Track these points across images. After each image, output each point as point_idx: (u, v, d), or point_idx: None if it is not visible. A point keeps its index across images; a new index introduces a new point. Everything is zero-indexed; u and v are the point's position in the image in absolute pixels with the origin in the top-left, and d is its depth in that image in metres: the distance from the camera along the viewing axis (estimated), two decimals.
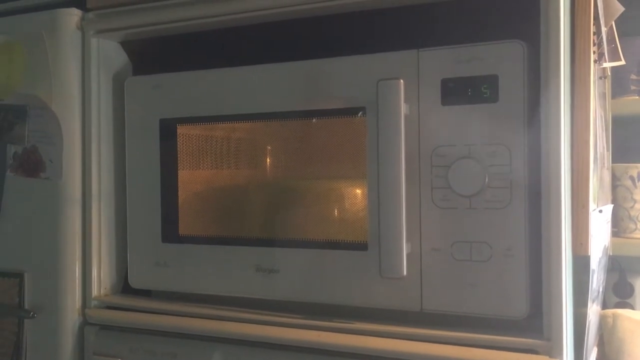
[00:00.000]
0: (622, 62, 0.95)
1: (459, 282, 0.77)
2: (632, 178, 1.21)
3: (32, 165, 0.99)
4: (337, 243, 0.85)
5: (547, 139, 0.73)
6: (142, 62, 1.05)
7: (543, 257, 0.74)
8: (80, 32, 0.99)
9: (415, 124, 0.79)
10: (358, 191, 0.86)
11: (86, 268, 0.99)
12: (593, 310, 0.90)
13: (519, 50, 0.75)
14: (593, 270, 0.83)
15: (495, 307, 0.76)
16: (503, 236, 0.75)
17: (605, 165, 1.07)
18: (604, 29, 0.86)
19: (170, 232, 0.95)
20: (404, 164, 0.76)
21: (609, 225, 1.08)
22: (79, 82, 0.99)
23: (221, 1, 0.90)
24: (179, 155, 0.95)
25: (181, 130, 0.95)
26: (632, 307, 1.23)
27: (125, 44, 1.03)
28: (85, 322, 0.98)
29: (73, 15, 0.99)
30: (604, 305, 1.15)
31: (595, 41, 0.81)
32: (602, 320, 1.06)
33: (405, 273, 0.76)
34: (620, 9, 0.89)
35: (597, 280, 0.91)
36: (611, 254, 1.14)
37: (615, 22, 0.91)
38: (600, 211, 0.90)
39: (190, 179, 0.96)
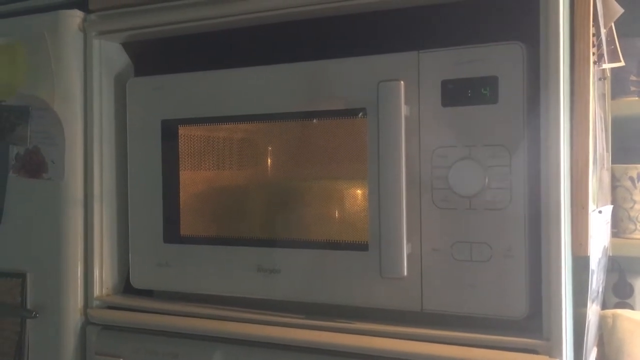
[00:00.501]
0: (622, 64, 0.95)
1: (459, 283, 0.78)
2: (631, 179, 1.21)
3: (35, 166, 1.00)
4: (338, 243, 0.85)
5: (547, 140, 0.74)
6: (144, 64, 1.06)
7: (543, 257, 0.74)
8: (83, 34, 0.99)
9: (416, 125, 0.80)
10: (359, 192, 0.86)
11: (88, 268, 0.99)
12: (593, 311, 0.91)
13: (518, 52, 0.75)
14: (592, 271, 0.83)
15: (495, 307, 0.76)
16: (503, 237, 0.76)
17: (605, 166, 1.07)
18: (603, 31, 0.86)
19: (171, 232, 0.96)
20: (404, 164, 0.76)
21: (609, 225, 1.08)
22: (81, 83, 0.99)
23: (222, 3, 0.90)
24: (180, 156, 0.95)
25: (182, 131, 0.95)
26: (631, 308, 1.23)
27: (127, 45, 1.04)
28: (87, 322, 0.99)
29: (75, 16, 0.99)
30: (604, 306, 1.15)
31: (595, 42, 0.81)
32: (602, 321, 1.06)
33: (405, 273, 0.77)
34: (620, 10, 0.89)
35: (596, 280, 0.91)
36: (611, 254, 1.14)
37: (615, 23, 0.92)
38: (600, 212, 0.90)
39: (192, 180, 0.96)
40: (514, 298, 0.75)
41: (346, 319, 0.83)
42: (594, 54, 0.79)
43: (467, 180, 0.77)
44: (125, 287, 1.03)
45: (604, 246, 0.99)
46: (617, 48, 0.94)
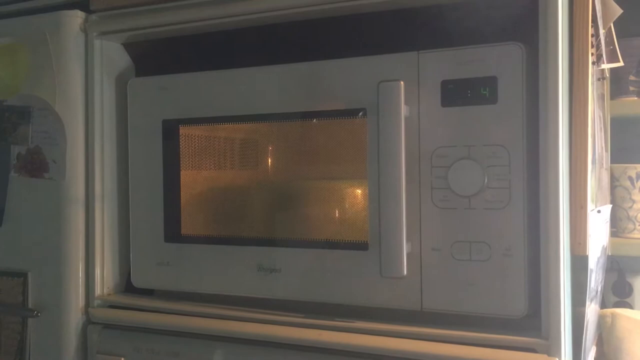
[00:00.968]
0: (621, 64, 0.95)
1: (459, 282, 0.78)
2: (630, 178, 1.21)
3: (36, 165, 1.00)
4: (338, 243, 0.85)
5: (546, 140, 0.74)
6: (145, 64, 1.06)
7: (542, 256, 0.75)
8: (84, 34, 1.00)
9: (416, 125, 0.80)
10: (359, 191, 0.86)
11: (89, 267, 1.00)
12: (591, 310, 0.91)
13: (517, 52, 0.75)
14: (591, 270, 0.84)
15: (494, 306, 0.76)
16: (502, 236, 0.76)
17: (604, 165, 1.08)
18: (602, 31, 0.86)
19: (172, 231, 0.96)
20: (404, 164, 0.77)
21: (608, 225, 1.08)
22: (82, 83, 1.00)
23: (224, 3, 0.90)
24: (181, 156, 0.95)
25: (183, 131, 0.95)
26: (630, 307, 1.23)
27: (128, 46, 1.04)
28: (88, 321, 0.99)
29: (76, 17, 0.99)
30: (603, 305, 1.15)
31: (594, 43, 0.81)
32: (601, 320, 1.07)
33: (405, 273, 0.77)
34: (619, 10, 0.89)
35: (595, 279, 0.91)
36: (610, 253, 1.14)
37: (614, 23, 0.92)
38: (599, 211, 0.90)
39: (193, 179, 0.96)
40: (513, 297, 0.76)
41: (346, 318, 0.84)
42: (592, 54, 0.80)
43: (467, 179, 0.77)
44: (127, 286, 1.03)
45: (603, 245, 1.00)
46: (616, 48, 0.95)
